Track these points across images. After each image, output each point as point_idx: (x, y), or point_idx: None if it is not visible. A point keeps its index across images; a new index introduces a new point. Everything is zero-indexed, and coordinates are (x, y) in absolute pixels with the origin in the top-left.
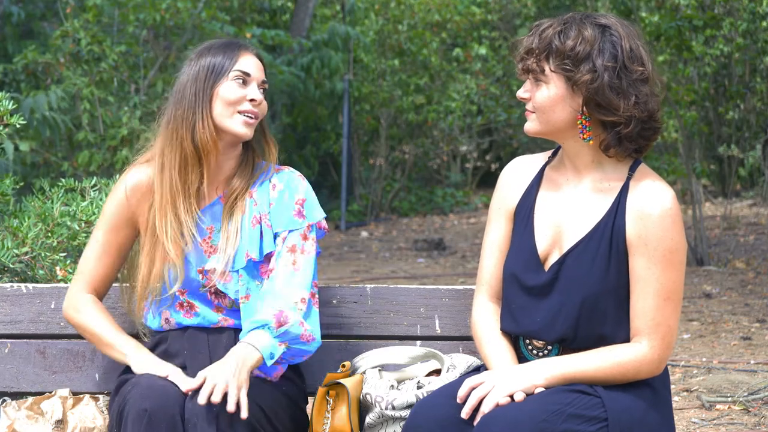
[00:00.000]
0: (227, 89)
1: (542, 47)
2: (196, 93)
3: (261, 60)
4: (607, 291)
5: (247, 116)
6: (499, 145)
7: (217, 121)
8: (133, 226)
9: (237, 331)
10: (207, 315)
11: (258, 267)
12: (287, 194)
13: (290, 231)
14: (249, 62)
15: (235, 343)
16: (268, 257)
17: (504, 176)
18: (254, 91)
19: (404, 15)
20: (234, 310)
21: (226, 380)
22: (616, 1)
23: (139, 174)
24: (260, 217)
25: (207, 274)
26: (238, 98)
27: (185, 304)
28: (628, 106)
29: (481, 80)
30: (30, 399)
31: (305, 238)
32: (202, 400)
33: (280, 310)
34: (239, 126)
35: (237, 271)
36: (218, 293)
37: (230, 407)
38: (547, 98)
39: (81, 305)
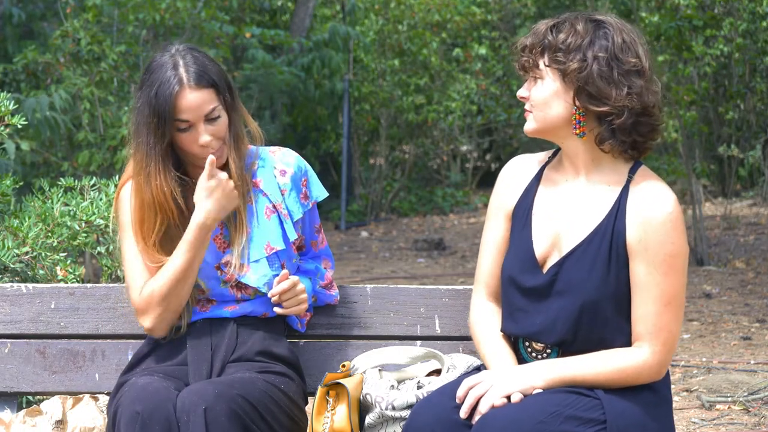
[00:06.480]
0: (178, 140)
1: (537, 43)
2: (148, 150)
3: (204, 84)
4: (607, 295)
5: (209, 155)
6: (499, 145)
7: (189, 160)
8: None
9: (240, 318)
10: (217, 313)
11: (283, 255)
12: (296, 178)
13: (305, 213)
14: (186, 104)
15: (239, 331)
16: (294, 243)
17: (503, 175)
18: (202, 136)
19: (404, 15)
20: (257, 298)
21: None
22: (616, 1)
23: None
24: (274, 206)
25: (224, 268)
26: (190, 145)
27: (203, 300)
28: (621, 96)
29: (481, 80)
30: (22, 411)
31: (319, 231)
32: None
33: (332, 279)
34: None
35: (257, 261)
36: (240, 285)
37: None
38: (542, 94)
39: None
